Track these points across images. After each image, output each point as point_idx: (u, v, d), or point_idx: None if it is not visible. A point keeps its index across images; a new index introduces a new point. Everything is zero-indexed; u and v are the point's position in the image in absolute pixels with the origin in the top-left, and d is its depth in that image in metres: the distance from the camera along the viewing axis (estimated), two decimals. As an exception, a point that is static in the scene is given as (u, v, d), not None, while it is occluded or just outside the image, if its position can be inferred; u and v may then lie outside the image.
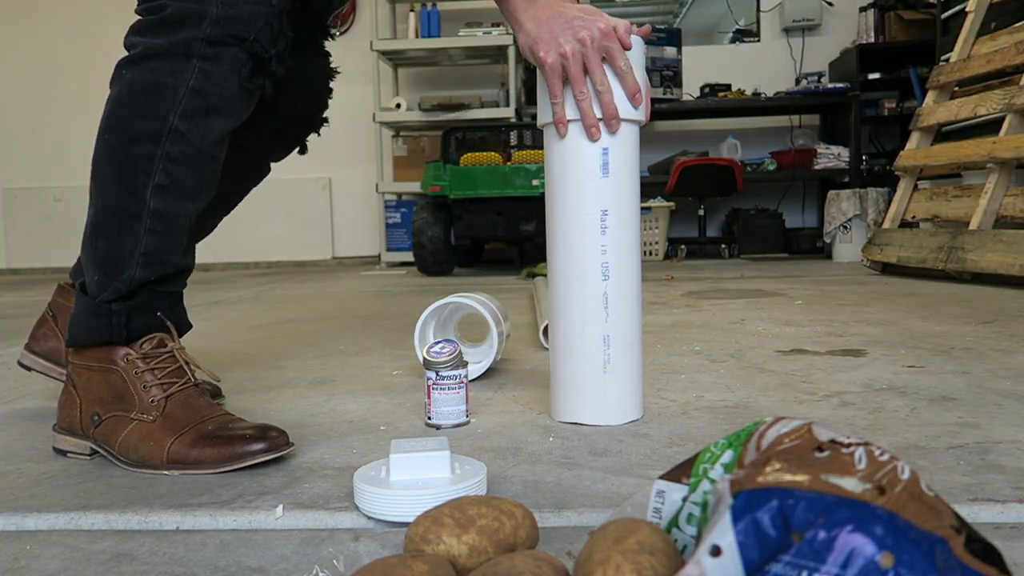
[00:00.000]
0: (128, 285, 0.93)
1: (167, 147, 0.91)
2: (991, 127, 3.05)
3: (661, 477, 0.55)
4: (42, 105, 5.60)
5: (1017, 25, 3.05)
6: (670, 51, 4.69)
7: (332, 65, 1.21)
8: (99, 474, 0.88)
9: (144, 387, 0.91)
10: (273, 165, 1.27)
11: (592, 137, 0.97)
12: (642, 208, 4.64)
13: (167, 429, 0.89)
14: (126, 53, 0.94)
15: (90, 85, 5.50)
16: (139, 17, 0.93)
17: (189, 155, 0.92)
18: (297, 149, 1.23)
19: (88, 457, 0.94)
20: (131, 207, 0.92)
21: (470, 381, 1.35)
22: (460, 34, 4.74)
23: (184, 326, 1.02)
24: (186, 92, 0.90)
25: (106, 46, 5.45)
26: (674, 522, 0.53)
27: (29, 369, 1.20)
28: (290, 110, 1.16)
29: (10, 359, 1.72)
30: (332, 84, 1.21)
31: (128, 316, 0.93)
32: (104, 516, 0.75)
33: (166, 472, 0.87)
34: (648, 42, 4.59)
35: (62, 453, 0.96)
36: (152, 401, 0.91)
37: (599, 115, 0.97)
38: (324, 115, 1.21)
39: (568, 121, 0.99)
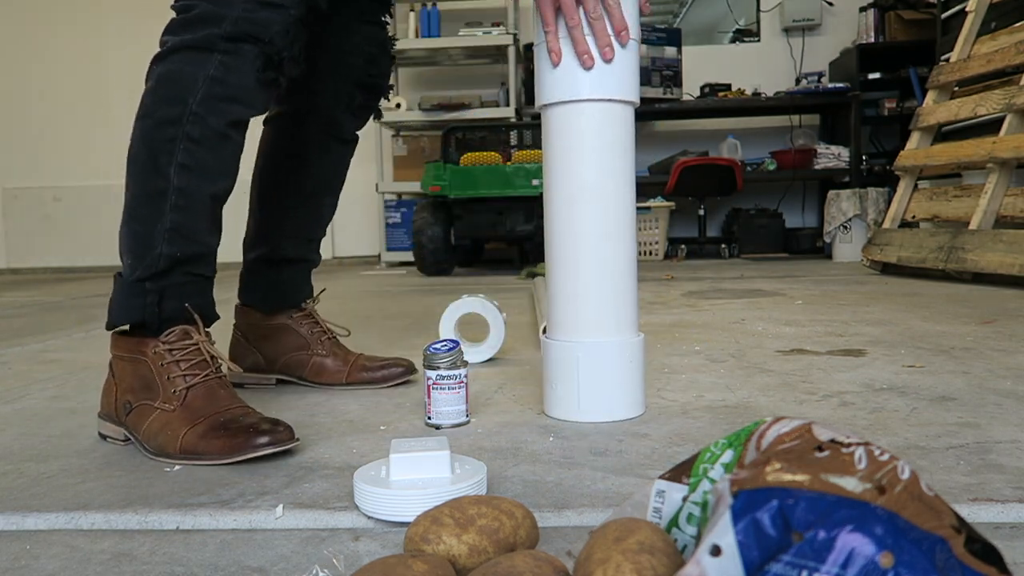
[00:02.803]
0: (158, 262, 0.97)
1: (187, 128, 0.96)
2: (991, 127, 3.05)
3: (661, 477, 0.55)
4: (42, 105, 5.60)
5: (1017, 25, 3.05)
6: (670, 51, 4.69)
7: (389, 35, 1.32)
8: (99, 474, 0.88)
9: (169, 378, 0.95)
10: None
11: (585, 64, 1.00)
12: (642, 208, 4.64)
13: (184, 419, 0.92)
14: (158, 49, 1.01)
15: (90, 85, 5.50)
16: (173, 15, 1.01)
17: (208, 136, 0.97)
18: (372, 116, 1.34)
19: (123, 443, 0.99)
20: (158, 185, 0.97)
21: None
22: (460, 34, 4.74)
23: (211, 316, 1.04)
24: (205, 80, 0.96)
25: (106, 46, 5.46)
26: (674, 522, 0.53)
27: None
28: (357, 75, 1.27)
29: (11, 359, 1.72)
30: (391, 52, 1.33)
31: (160, 296, 0.97)
32: (104, 516, 0.75)
33: (180, 462, 0.90)
34: (648, 42, 4.60)
35: (103, 438, 1.02)
36: (174, 391, 0.94)
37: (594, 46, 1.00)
38: (389, 82, 1.32)
39: (562, 48, 1.00)
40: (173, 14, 1.01)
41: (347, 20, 1.25)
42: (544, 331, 1.60)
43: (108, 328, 1.00)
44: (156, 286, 0.97)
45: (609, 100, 1.02)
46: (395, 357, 1.34)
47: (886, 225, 3.43)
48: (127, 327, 1.00)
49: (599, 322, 1.03)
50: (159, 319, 0.97)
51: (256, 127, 1.18)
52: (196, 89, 0.96)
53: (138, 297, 0.97)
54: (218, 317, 1.06)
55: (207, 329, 1.01)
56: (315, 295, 1.35)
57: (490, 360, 1.51)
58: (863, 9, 4.89)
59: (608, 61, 1.00)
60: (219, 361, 0.99)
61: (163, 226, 0.97)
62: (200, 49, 0.97)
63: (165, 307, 0.98)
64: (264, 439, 0.88)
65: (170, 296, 0.98)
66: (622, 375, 1.04)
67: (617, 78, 1.01)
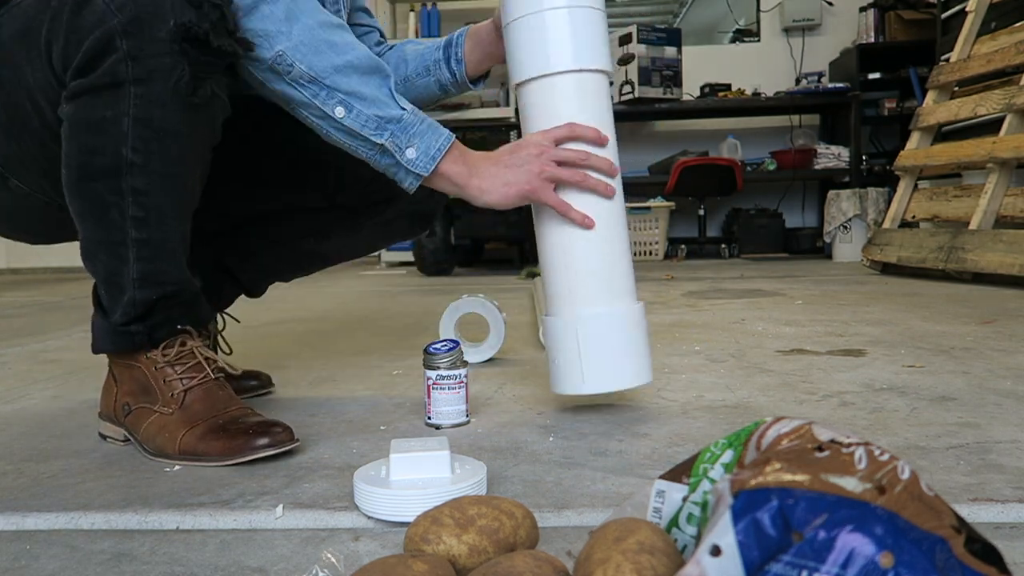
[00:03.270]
0: (135, 307, 0.92)
1: (129, 181, 0.86)
2: (991, 127, 3.05)
3: (661, 477, 0.55)
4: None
5: (1017, 25, 3.05)
6: (670, 51, 4.69)
7: None
8: (99, 474, 0.88)
9: (166, 381, 0.94)
10: None
11: (608, 193, 1.01)
12: (642, 208, 4.64)
13: (183, 421, 0.92)
14: None
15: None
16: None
17: (155, 182, 0.88)
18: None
19: (122, 443, 0.99)
20: (113, 236, 0.89)
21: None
22: (460, 34, 4.74)
23: (207, 318, 1.02)
24: (130, 122, 0.84)
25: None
26: (674, 522, 0.53)
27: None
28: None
29: (11, 359, 1.72)
30: None
31: (149, 334, 0.94)
32: (104, 516, 0.75)
33: (177, 464, 0.90)
34: (648, 42, 4.60)
35: (103, 438, 1.01)
36: (172, 395, 0.93)
37: (599, 182, 1.01)
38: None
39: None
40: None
41: None
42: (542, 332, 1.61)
43: (93, 351, 0.98)
44: (142, 327, 0.93)
45: (582, 71, 1.00)
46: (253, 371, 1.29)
47: (886, 225, 3.43)
48: None
49: (594, 293, 1.01)
50: (152, 346, 0.95)
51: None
52: (123, 135, 0.84)
53: (124, 337, 0.94)
54: (215, 314, 1.05)
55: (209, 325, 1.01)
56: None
57: (490, 360, 1.51)
58: (863, 9, 4.88)
59: (611, 197, 1.01)
60: (214, 363, 0.98)
61: (130, 275, 0.90)
62: (107, 87, 0.83)
63: (156, 337, 0.95)
64: (264, 440, 0.88)
65: (159, 327, 0.94)
66: (623, 342, 1.01)
67: (588, 50, 1.01)
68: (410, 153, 0.95)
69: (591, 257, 1.01)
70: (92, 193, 0.88)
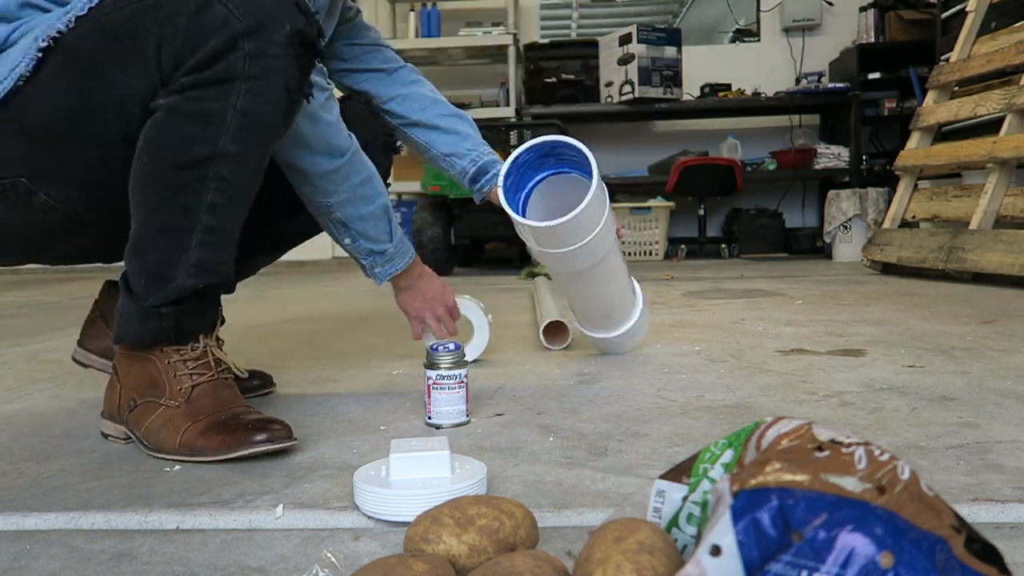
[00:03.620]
0: (179, 292, 0.94)
1: (218, 168, 0.90)
2: (991, 127, 3.05)
3: (661, 477, 0.55)
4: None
5: (1017, 25, 3.05)
6: (670, 51, 4.69)
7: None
8: (99, 474, 0.88)
9: (175, 375, 0.95)
10: None
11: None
12: (642, 208, 4.64)
13: (187, 416, 0.92)
14: None
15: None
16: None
17: (241, 173, 0.93)
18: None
19: (124, 441, 0.99)
20: (182, 224, 0.92)
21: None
22: (460, 34, 4.75)
23: (218, 318, 1.03)
24: (234, 114, 0.89)
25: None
26: (674, 522, 0.53)
27: (85, 366, 1.23)
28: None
29: (11, 359, 1.72)
30: None
31: (177, 319, 0.95)
32: (104, 516, 0.75)
33: (177, 458, 0.91)
34: (648, 42, 4.60)
35: (105, 436, 1.02)
36: (180, 389, 0.94)
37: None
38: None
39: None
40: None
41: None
42: (544, 331, 1.61)
43: (116, 342, 0.99)
44: (173, 311, 0.95)
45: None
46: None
47: (886, 225, 3.43)
48: None
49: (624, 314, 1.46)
50: (175, 338, 0.96)
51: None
52: (226, 126, 0.89)
53: (153, 320, 0.95)
54: (224, 320, 1.05)
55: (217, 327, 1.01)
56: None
57: (490, 360, 1.51)
58: (863, 9, 4.88)
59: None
60: (224, 364, 0.99)
61: (187, 260, 0.93)
62: (221, 82, 0.87)
63: (182, 327, 0.96)
64: (261, 436, 0.89)
65: (187, 316, 0.96)
66: (642, 330, 1.49)
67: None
68: (378, 271, 1.30)
69: (613, 299, 1.40)
70: (176, 181, 0.91)
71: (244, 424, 0.90)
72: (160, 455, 0.92)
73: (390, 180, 1.40)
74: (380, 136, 1.34)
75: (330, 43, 1.30)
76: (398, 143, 1.42)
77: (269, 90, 0.90)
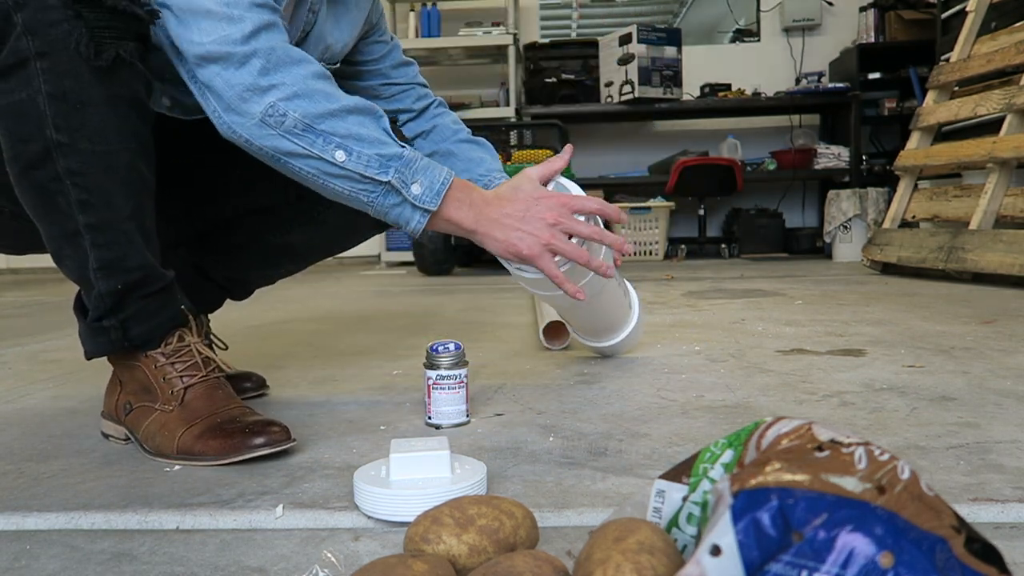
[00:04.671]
0: (103, 300, 0.91)
1: (63, 163, 0.83)
2: (991, 127, 3.05)
3: (661, 477, 0.55)
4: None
5: (1017, 25, 3.05)
6: (670, 51, 4.69)
7: None
8: (99, 474, 0.88)
9: (166, 379, 0.94)
10: None
11: (608, 274, 1.07)
12: (642, 208, 4.64)
13: (182, 420, 0.92)
14: None
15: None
16: None
17: (88, 160, 0.84)
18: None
19: (124, 442, 0.99)
20: (67, 227, 0.87)
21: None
22: (460, 34, 4.75)
23: (188, 313, 0.99)
24: (44, 100, 0.81)
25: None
26: (674, 522, 0.53)
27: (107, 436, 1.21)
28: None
29: (11, 359, 1.72)
30: None
31: (123, 330, 0.93)
32: (104, 516, 0.75)
33: (176, 463, 0.90)
34: (648, 42, 4.60)
35: (105, 436, 1.02)
36: (172, 392, 0.94)
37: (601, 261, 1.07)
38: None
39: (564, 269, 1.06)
40: None
41: None
42: (544, 331, 1.61)
43: (86, 359, 0.98)
44: (114, 321, 0.92)
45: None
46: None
47: (886, 225, 3.43)
48: None
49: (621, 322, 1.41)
50: (131, 347, 0.94)
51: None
52: (42, 114, 0.81)
53: (102, 335, 0.93)
54: (194, 309, 1.01)
55: (208, 322, 1.00)
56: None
57: (490, 360, 1.51)
58: (863, 9, 4.88)
59: (610, 277, 1.10)
60: (213, 363, 0.98)
61: (91, 265, 0.88)
62: (13, 67, 0.80)
63: (132, 336, 0.93)
64: (260, 439, 0.88)
65: (133, 325, 0.93)
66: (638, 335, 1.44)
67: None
68: (415, 188, 0.93)
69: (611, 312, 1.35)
70: (35, 183, 0.85)
71: (242, 427, 0.90)
72: (161, 459, 0.92)
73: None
74: None
75: (365, 77, 1.25)
76: None
77: (63, 63, 0.80)
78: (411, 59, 1.31)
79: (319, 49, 1.10)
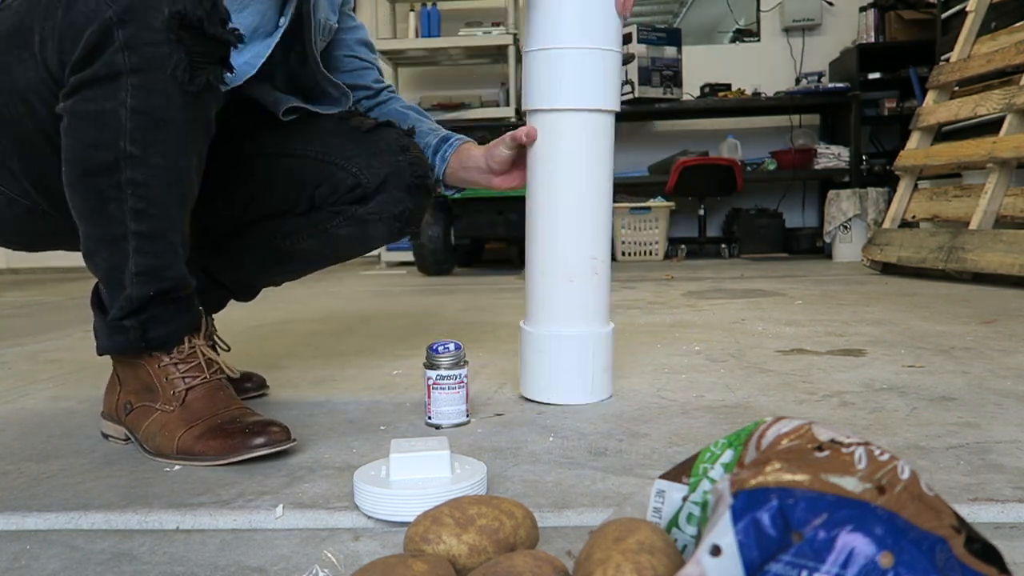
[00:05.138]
0: (131, 303, 0.92)
1: (129, 173, 0.86)
2: (991, 127, 3.05)
3: (661, 477, 0.55)
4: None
5: (1017, 25, 3.05)
6: (670, 51, 4.68)
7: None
8: (99, 474, 0.88)
9: (168, 379, 0.95)
10: None
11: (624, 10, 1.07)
12: (642, 208, 4.64)
13: (182, 420, 0.92)
14: None
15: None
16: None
17: (154, 175, 0.88)
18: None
19: (124, 442, 0.99)
20: (113, 231, 0.89)
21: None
22: (460, 34, 4.74)
23: (193, 322, 0.99)
24: (127, 114, 0.84)
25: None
26: (674, 522, 0.53)
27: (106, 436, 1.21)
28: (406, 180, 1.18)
29: (11, 359, 1.72)
30: None
31: (143, 330, 0.94)
32: (104, 516, 0.75)
33: (176, 463, 0.90)
34: (648, 42, 4.60)
35: (105, 437, 1.02)
36: (174, 393, 0.94)
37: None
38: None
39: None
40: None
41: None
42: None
43: (99, 354, 0.98)
44: (135, 322, 0.93)
45: (586, 110, 1.08)
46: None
47: (886, 225, 3.43)
48: None
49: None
50: (147, 347, 0.95)
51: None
52: (122, 127, 0.84)
53: (120, 333, 0.94)
54: (204, 315, 1.01)
55: (212, 324, 1.01)
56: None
57: (491, 360, 1.51)
58: (863, 9, 4.88)
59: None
60: (216, 365, 0.98)
61: (130, 270, 0.90)
62: (105, 78, 0.83)
63: (150, 337, 0.94)
64: (260, 440, 0.88)
65: (152, 327, 0.94)
66: (587, 362, 1.13)
67: (593, 88, 1.07)
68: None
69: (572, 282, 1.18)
70: (93, 188, 0.87)
71: (242, 428, 0.90)
72: (160, 459, 0.92)
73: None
74: (407, 173, 1.13)
75: (332, 46, 1.26)
76: (433, 183, 1.21)
77: (156, 82, 0.84)
78: (373, 43, 1.36)
79: (323, 29, 1.16)
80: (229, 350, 1.22)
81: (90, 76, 0.83)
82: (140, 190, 0.87)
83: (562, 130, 1.08)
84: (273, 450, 0.89)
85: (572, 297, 1.12)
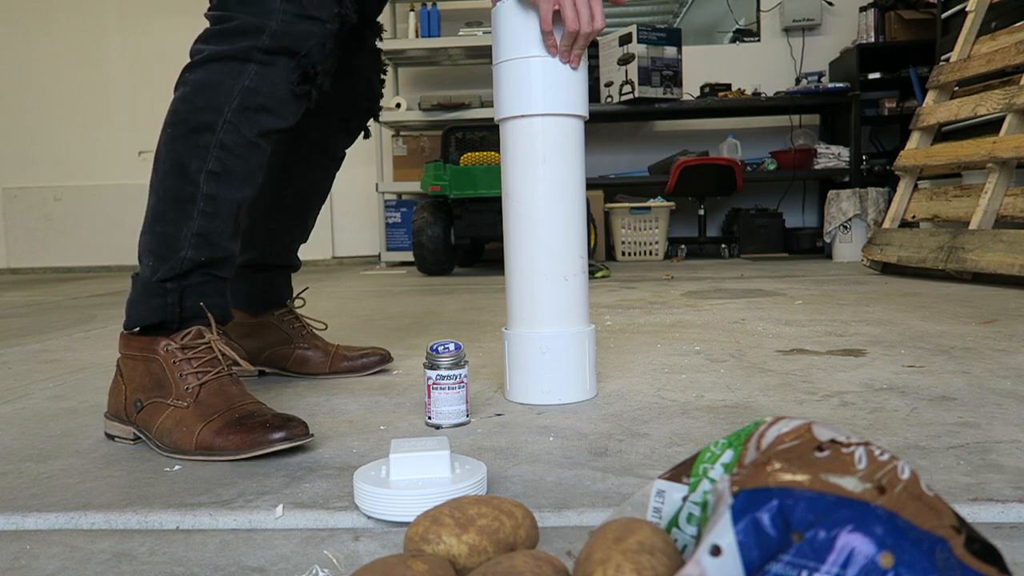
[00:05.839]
0: (181, 264, 0.98)
1: (221, 136, 0.99)
2: (991, 127, 3.05)
3: (661, 477, 0.55)
4: (42, 105, 5.60)
5: (1017, 25, 3.04)
6: (670, 51, 4.69)
7: (382, 60, 1.39)
8: (99, 474, 0.88)
9: (181, 375, 0.96)
10: None
11: (574, 65, 1.11)
12: (642, 208, 4.64)
13: (198, 416, 0.93)
14: (188, 59, 1.03)
15: (90, 85, 5.50)
16: (208, 25, 1.03)
17: (240, 144, 1.00)
18: (362, 134, 1.39)
19: (132, 442, 1.00)
20: (185, 191, 0.99)
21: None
22: (460, 34, 4.74)
23: (227, 316, 1.05)
24: (241, 90, 0.99)
25: (105, 47, 5.46)
26: (674, 522, 0.53)
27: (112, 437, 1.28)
28: (351, 99, 1.33)
29: (11, 359, 1.72)
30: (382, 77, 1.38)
31: (181, 295, 0.99)
32: (104, 516, 0.75)
33: (195, 458, 0.91)
34: (648, 42, 4.60)
35: (111, 438, 1.02)
36: (187, 388, 0.95)
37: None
38: (379, 104, 1.39)
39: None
40: (205, 22, 1.03)
41: (348, 46, 1.29)
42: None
43: (126, 328, 1.01)
44: (177, 286, 0.99)
45: (557, 115, 1.11)
46: (372, 347, 1.40)
47: (886, 225, 3.43)
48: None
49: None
50: (179, 318, 0.99)
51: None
52: (232, 98, 0.99)
53: (159, 297, 0.98)
54: (232, 317, 1.07)
55: (222, 328, 1.03)
56: (296, 294, 1.39)
57: (491, 360, 1.51)
58: (863, 9, 4.88)
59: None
60: (230, 359, 0.99)
61: (189, 230, 0.99)
62: (237, 59, 0.99)
63: (185, 306, 0.99)
64: (280, 434, 0.89)
65: (190, 295, 1.00)
66: (573, 361, 1.15)
67: (565, 94, 1.11)
68: None
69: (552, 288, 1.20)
70: (186, 146, 0.99)
71: (263, 422, 0.91)
72: (177, 455, 0.92)
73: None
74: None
75: None
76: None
77: (275, 75, 1.01)
78: None
79: None
80: (325, 327, 1.39)
81: (225, 53, 0.99)
82: (224, 154, 0.99)
83: (534, 134, 1.12)
84: (293, 444, 0.90)
85: (559, 296, 1.14)
